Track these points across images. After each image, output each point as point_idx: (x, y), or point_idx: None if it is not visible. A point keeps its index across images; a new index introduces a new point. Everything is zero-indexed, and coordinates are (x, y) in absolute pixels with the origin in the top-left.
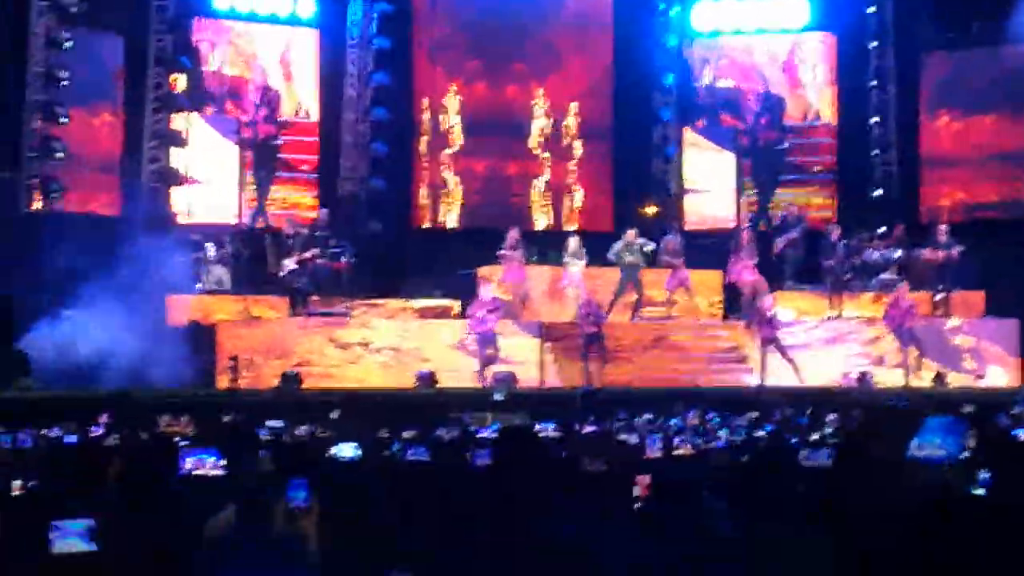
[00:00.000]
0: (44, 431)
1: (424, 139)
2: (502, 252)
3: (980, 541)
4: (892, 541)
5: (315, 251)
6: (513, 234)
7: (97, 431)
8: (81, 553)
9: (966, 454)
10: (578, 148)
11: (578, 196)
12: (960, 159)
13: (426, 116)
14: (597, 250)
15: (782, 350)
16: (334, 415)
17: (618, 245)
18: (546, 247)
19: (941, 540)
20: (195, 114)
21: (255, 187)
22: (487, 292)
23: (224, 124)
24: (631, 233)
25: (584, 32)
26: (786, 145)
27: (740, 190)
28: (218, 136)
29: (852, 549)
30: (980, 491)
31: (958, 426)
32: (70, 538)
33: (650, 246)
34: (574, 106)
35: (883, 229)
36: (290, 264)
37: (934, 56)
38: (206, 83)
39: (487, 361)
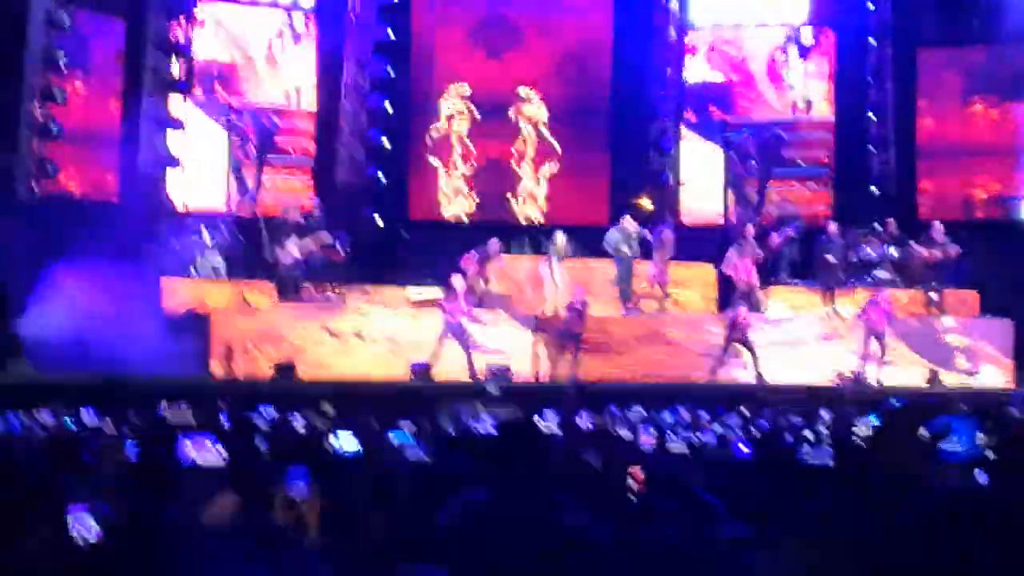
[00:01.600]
0: (36, 415)
1: (422, 128)
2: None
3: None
4: (918, 540)
5: (314, 238)
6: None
7: (92, 416)
8: (84, 538)
9: (987, 451)
10: (574, 139)
11: (572, 188)
12: (957, 154)
13: (425, 105)
14: (593, 242)
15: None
16: (326, 408)
17: (615, 235)
18: (539, 238)
19: (968, 538)
20: (189, 99)
21: (248, 173)
22: (458, 283)
23: (217, 109)
24: (628, 220)
25: (584, 22)
26: (783, 136)
27: (733, 185)
28: (211, 121)
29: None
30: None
31: (975, 424)
32: (84, 524)
33: (646, 234)
34: (570, 97)
35: (877, 226)
36: (288, 251)
37: (932, 52)
38: (200, 67)
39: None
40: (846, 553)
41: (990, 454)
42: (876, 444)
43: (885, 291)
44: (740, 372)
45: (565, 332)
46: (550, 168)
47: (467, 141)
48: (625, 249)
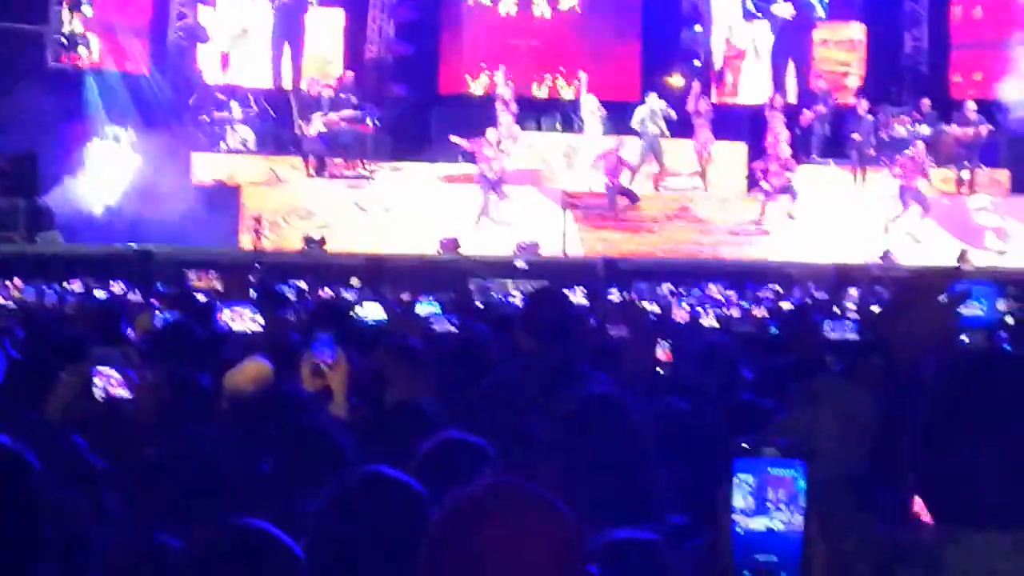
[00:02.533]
0: (68, 285)
1: (452, 3)
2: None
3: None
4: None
5: (343, 113)
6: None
7: (123, 286)
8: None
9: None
10: (604, 15)
11: (604, 65)
12: (988, 42)
13: None
14: (625, 120)
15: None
16: (354, 282)
17: (640, 112)
18: (570, 113)
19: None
20: None
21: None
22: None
23: None
24: (653, 98)
25: None
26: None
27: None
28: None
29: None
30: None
31: (995, 290)
32: (113, 385)
33: (671, 113)
34: None
35: (907, 106)
36: (317, 126)
37: None
38: None
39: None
40: (863, 413)
41: (1011, 319)
42: (895, 310)
43: (918, 148)
44: (769, 250)
45: (603, 204)
46: (581, 43)
47: (498, 12)
48: (650, 126)
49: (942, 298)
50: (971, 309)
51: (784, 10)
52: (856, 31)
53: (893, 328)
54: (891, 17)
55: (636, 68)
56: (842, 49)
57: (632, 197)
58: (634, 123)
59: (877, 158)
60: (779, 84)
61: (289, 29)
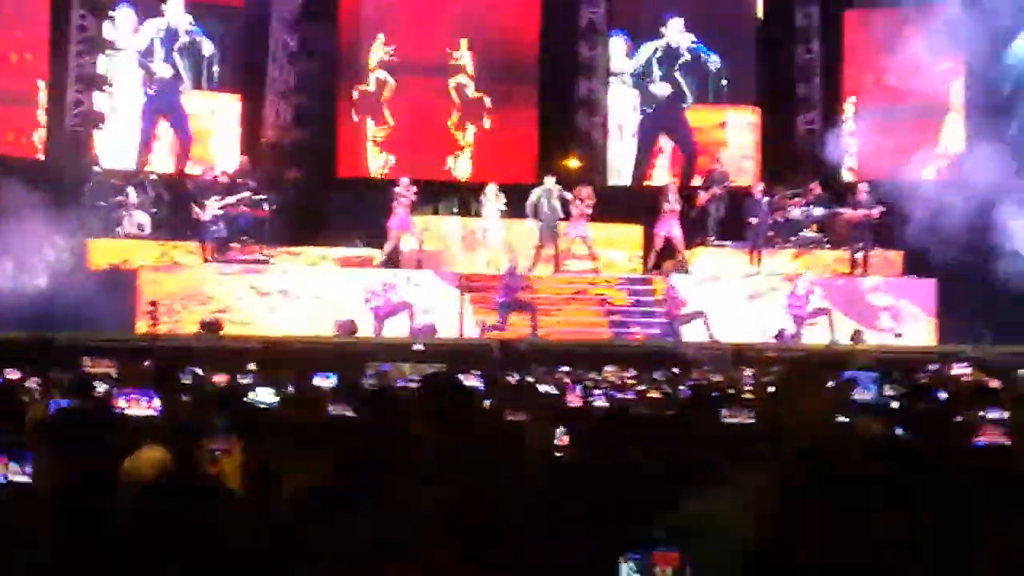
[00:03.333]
0: None
1: (348, 87)
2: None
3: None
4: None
5: (241, 197)
6: (403, 182)
7: (15, 373)
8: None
9: (894, 403)
10: (501, 98)
11: (500, 146)
12: (883, 114)
13: (351, 64)
14: (521, 201)
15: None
16: (251, 366)
17: (535, 195)
18: (468, 197)
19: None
20: (115, 57)
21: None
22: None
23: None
24: (549, 180)
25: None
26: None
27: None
28: (136, 79)
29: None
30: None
31: (884, 378)
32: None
33: (566, 195)
34: (498, 54)
35: (801, 188)
36: (212, 211)
37: (856, 14)
38: (127, 27)
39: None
40: (760, 500)
41: (895, 404)
42: (784, 397)
43: (802, 276)
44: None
45: (507, 298)
46: (478, 126)
47: (392, 98)
48: (546, 208)
49: (829, 384)
50: (860, 394)
51: (662, 89)
52: (752, 114)
53: (783, 414)
54: (785, 100)
55: (533, 152)
56: (737, 132)
57: (529, 308)
58: (529, 205)
59: (773, 241)
60: (676, 166)
61: (181, 114)
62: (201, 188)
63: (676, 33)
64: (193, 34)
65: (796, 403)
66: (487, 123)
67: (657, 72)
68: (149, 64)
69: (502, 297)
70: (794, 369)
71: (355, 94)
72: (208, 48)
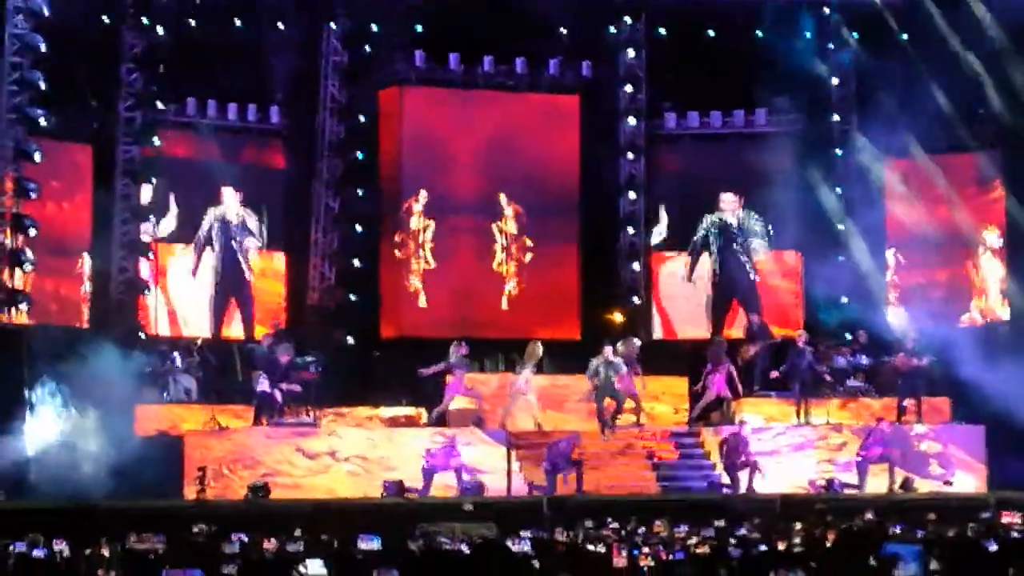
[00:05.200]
0: (9, 545)
1: (391, 248)
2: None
3: None
4: None
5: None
6: (459, 350)
7: (64, 546)
8: None
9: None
10: (544, 256)
11: (543, 305)
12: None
13: (393, 224)
14: (564, 358)
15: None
16: (297, 533)
17: (596, 361)
18: (511, 355)
19: None
20: (160, 226)
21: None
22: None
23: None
24: (609, 351)
25: (550, 133)
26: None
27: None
28: (186, 252)
29: None
30: None
31: (925, 551)
32: None
33: (623, 369)
34: (540, 212)
35: (849, 336)
36: (265, 387)
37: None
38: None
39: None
40: None
41: None
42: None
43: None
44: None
45: (558, 455)
46: (519, 284)
47: (435, 260)
48: (604, 375)
49: (872, 562)
50: (903, 571)
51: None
52: (792, 259)
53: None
54: (823, 245)
55: (575, 306)
56: (782, 280)
57: (576, 467)
58: (590, 372)
59: (819, 391)
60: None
61: (232, 285)
62: (248, 354)
63: (730, 207)
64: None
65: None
66: (529, 279)
67: (714, 243)
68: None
69: (549, 465)
70: (837, 547)
71: (396, 254)
72: (254, 225)
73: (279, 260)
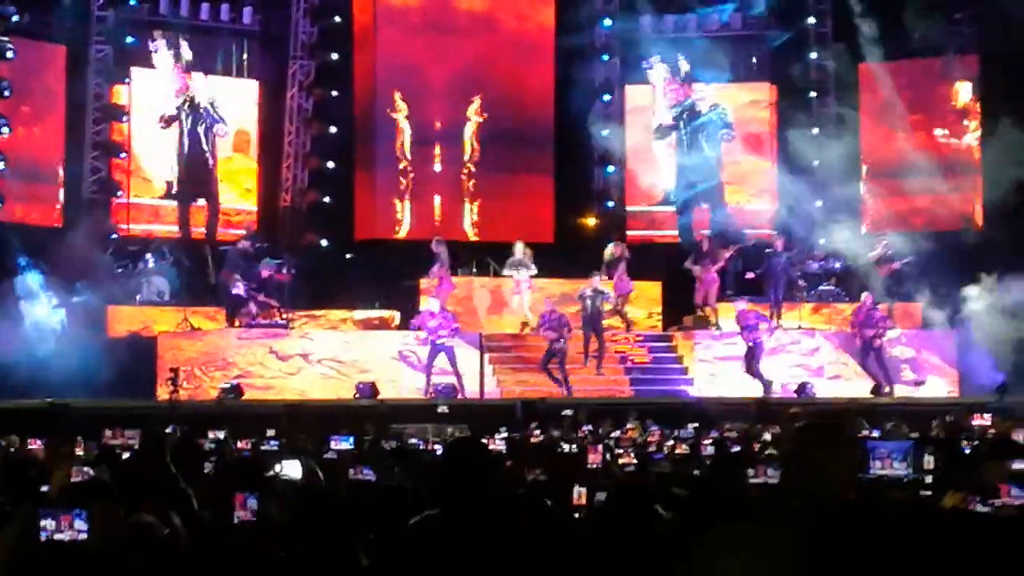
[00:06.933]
0: None
1: (365, 149)
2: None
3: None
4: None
5: (269, 266)
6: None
7: (36, 445)
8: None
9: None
10: (517, 158)
11: (518, 206)
12: (898, 172)
13: (367, 126)
14: (538, 261)
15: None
16: (270, 432)
17: (584, 289)
18: (485, 257)
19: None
20: (134, 126)
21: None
22: (434, 305)
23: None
24: (597, 279)
25: (526, 45)
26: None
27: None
28: (157, 147)
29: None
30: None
31: (918, 447)
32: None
33: (611, 298)
34: (511, 113)
35: (823, 240)
36: (241, 288)
37: (872, 67)
38: (145, 91)
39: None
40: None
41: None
42: (804, 455)
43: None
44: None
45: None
46: (492, 187)
47: (411, 162)
48: (591, 305)
49: (848, 441)
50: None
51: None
52: (768, 165)
53: (805, 472)
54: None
55: (549, 208)
56: (756, 183)
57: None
58: (578, 296)
59: (792, 295)
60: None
61: (197, 180)
62: (233, 258)
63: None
64: (211, 111)
65: (817, 465)
66: (502, 183)
67: (684, 131)
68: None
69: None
70: (812, 430)
71: (371, 156)
72: (225, 125)
73: (251, 161)
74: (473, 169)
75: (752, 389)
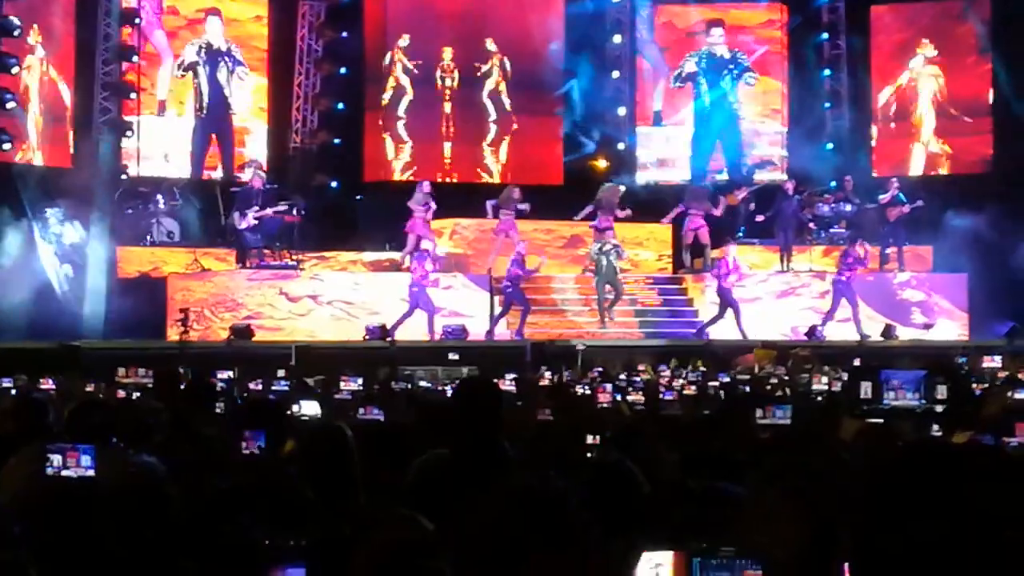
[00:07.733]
0: None
1: (375, 91)
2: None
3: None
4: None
5: (277, 210)
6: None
7: (48, 384)
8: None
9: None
10: (528, 100)
11: (527, 150)
12: (911, 114)
13: (377, 68)
14: (547, 203)
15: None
16: (281, 374)
17: (594, 247)
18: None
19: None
20: (145, 64)
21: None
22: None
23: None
24: (610, 234)
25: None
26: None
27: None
28: (167, 87)
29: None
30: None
31: (930, 378)
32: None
33: (625, 254)
34: (525, 57)
35: (833, 184)
36: (248, 220)
37: (884, 8)
38: (154, 33)
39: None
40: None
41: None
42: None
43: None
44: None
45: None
46: (502, 129)
47: (420, 104)
48: (604, 261)
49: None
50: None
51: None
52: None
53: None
54: (813, 95)
55: (558, 152)
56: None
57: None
58: (591, 255)
59: (802, 237)
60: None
61: (215, 121)
62: (243, 197)
63: (719, 40)
64: (230, 54)
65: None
66: (515, 126)
67: (703, 79)
68: (197, 84)
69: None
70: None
71: (381, 99)
72: (243, 72)
73: (261, 100)
74: (485, 111)
75: (762, 332)
